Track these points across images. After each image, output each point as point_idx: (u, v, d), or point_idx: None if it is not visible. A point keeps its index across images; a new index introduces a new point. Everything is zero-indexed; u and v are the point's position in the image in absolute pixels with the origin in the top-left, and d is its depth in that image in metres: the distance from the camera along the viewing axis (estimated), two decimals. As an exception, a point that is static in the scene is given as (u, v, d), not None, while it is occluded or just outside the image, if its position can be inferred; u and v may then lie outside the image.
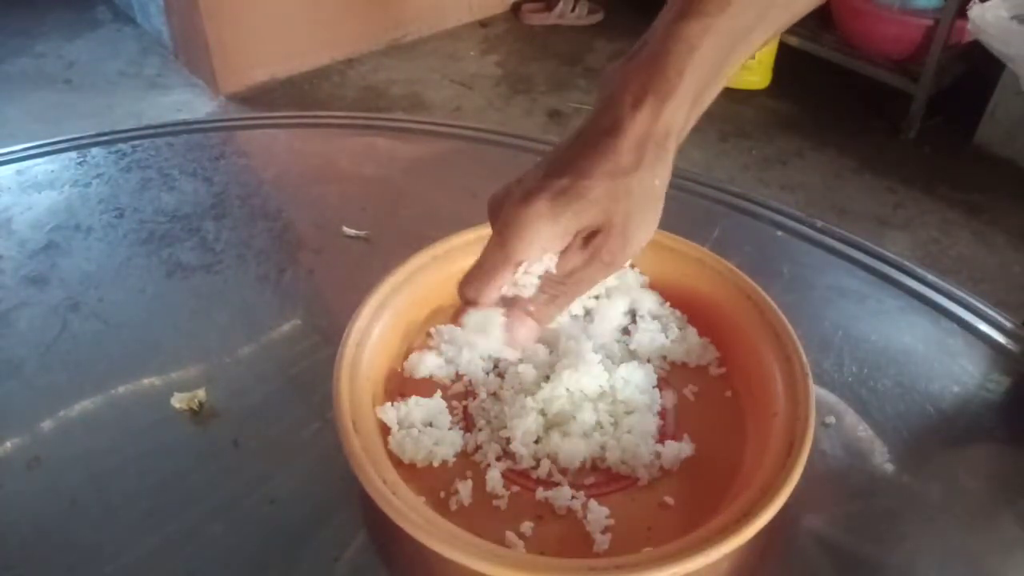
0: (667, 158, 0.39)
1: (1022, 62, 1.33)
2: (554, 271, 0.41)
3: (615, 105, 0.38)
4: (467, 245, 0.55)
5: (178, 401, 0.50)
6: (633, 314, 0.54)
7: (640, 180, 0.38)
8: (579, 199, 0.38)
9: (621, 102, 0.38)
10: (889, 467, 0.48)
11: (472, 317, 0.43)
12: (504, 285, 0.41)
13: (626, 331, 0.53)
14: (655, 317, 0.54)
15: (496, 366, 0.51)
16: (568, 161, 0.39)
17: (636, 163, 0.38)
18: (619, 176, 0.38)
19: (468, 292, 0.42)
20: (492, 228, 0.41)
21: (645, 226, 0.40)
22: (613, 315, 0.53)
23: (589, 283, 0.41)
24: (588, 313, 0.53)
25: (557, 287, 0.42)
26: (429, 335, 0.53)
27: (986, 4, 1.67)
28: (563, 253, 0.40)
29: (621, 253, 0.40)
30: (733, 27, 0.39)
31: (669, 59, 0.38)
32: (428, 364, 0.50)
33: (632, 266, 0.55)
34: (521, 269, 0.41)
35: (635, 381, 0.49)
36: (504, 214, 0.39)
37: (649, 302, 0.54)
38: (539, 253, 0.39)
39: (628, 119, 0.38)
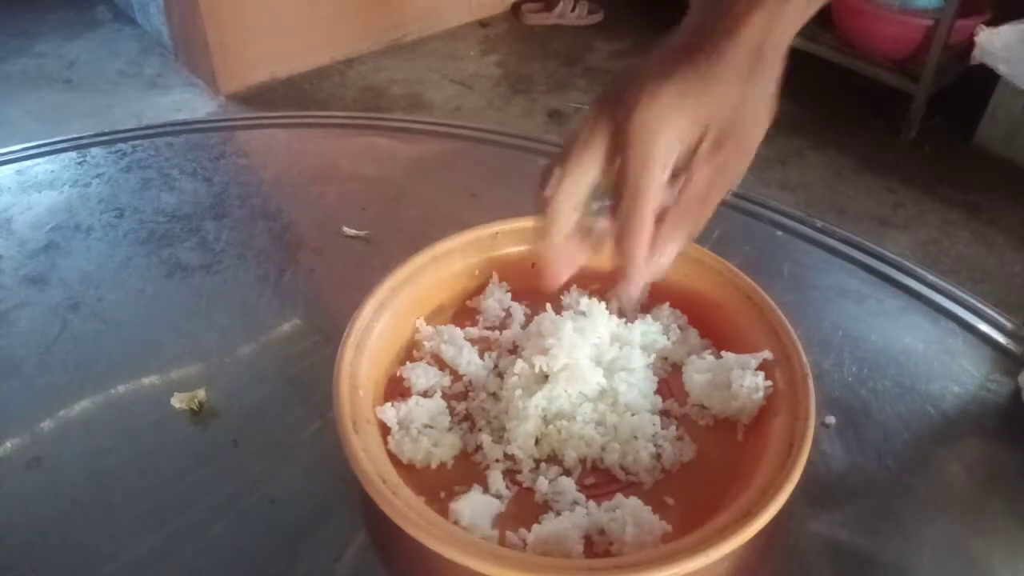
0: (778, 67, 0.39)
1: None
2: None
3: (732, 8, 0.38)
4: (467, 245, 0.55)
5: (178, 401, 0.50)
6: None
7: (759, 86, 0.38)
8: (709, 94, 0.38)
9: (736, 4, 0.38)
10: (889, 467, 0.48)
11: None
12: (656, 201, 0.39)
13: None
14: (657, 318, 0.54)
15: (496, 366, 0.51)
16: (692, 59, 0.38)
17: (754, 69, 0.38)
18: (742, 79, 0.38)
19: (623, 218, 0.40)
20: (598, 131, 0.39)
21: (760, 133, 0.40)
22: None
23: (717, 198, 0.40)
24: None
25: (687, 212, 0.40)
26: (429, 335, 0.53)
27: (996, 29, 1.67)
28: (690, 173, 0.39)
29: (747, 159, 0.40)
30: None
31: None
32: (420, 375, 0.50)
33: None
34: (666, 175, 0.39)
35: (636, 383, 0.49)
36: (630, 110, 0.38)
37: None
38: (671, 152, 0.38)
39: (746, 25, 0.38)
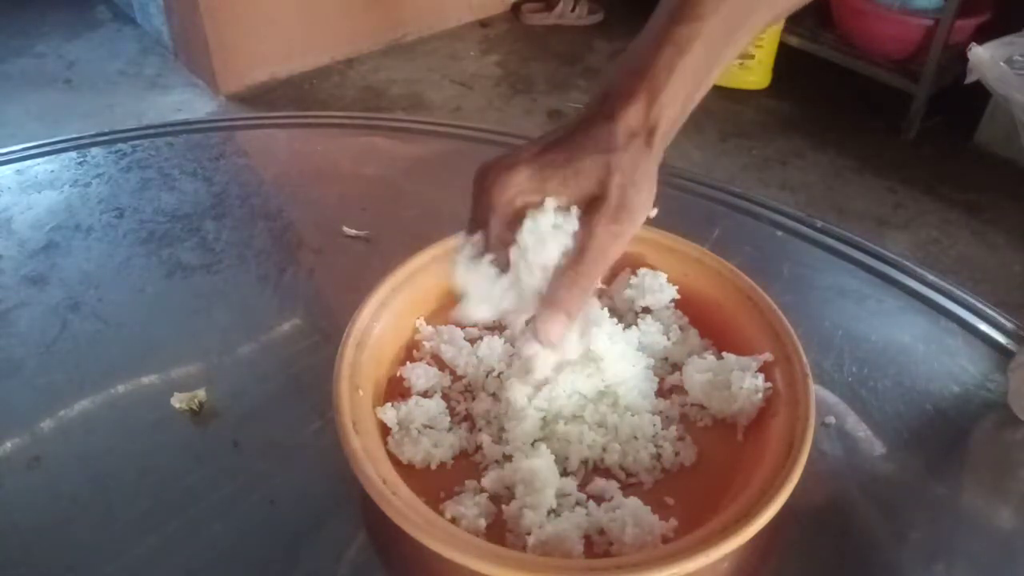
0: (652, 152, 0.41)
1: (1017, 105, 1.37)
2: (554, 261, 0.41)
3: (608, 98, 0.41)
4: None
5: (178, 401, 0.50)
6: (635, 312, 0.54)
7: (627, 158, 0.40)
8: (568, 168, 0.40)
9: (614, 95, 0.40)
10: (889, 467, 0.48)
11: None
12: (492, 233, 0.42)
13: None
14: (657, 319, 0.54)
15: (494, 368, 0.51)
16: (563, 141, 0.41)
17: (624, 146, 0.40)
18: (610, 149, 0.40)
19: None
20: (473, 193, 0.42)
21: (641, 197, 0.41)
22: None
23: (603, 257, 0.42)
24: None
25: (575, 269, 0.42)
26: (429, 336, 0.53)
27: (984, 46, 1.69)
28: (577, 239, 0.41)
29: (629, 223, 0.41)
30: (719, 30, 0.41)
31: (659, 61, 0.40)
32: (420, 375, 0.50)
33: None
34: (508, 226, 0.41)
35: (636, 383, 0.49)
36: (490, 174, 0.41)
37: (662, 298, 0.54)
38: (514, 195, 0.41)
39: (620, 111, 0.40)
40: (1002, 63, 1.37)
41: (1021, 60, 1.39)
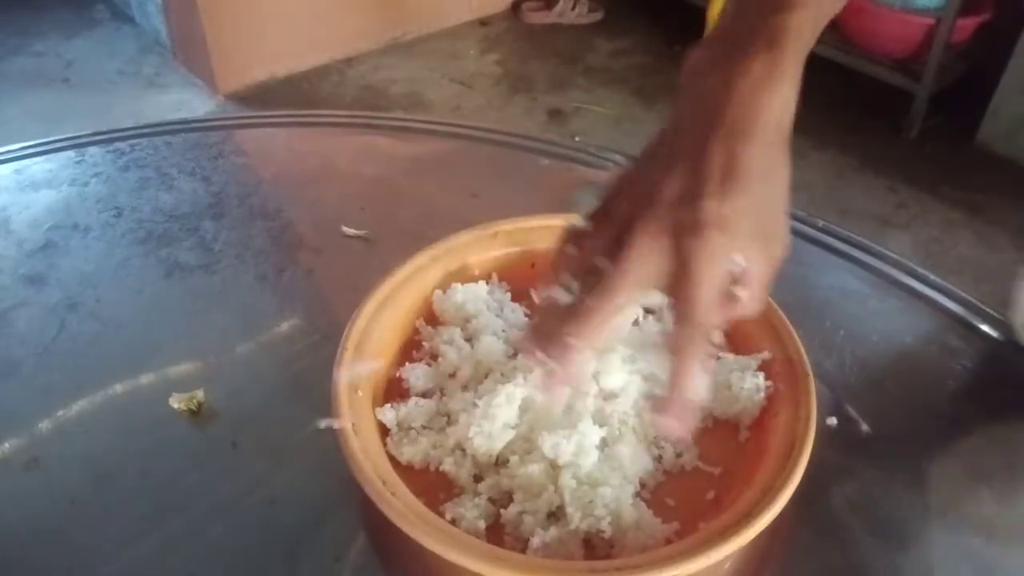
0: (787, 149, 0.38)
1: None
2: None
3: (739, 96, 0.37)
4: (467, 245, 0.55)
5: (176, 401, 0.50)
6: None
7: (778, 184, 0.39)
8: (759, 211, 0.37)
9: (740, 91, 0.37)
10: (890, 467, 0.48)
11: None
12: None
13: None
14: (657, 319, 0.53)
15: (493, 369, 0.51)
16: (715, 170, 0.37)
17: (775, 162, 0.38)
18: (782, 178, 0.38)
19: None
20: (654, 250, 0.36)
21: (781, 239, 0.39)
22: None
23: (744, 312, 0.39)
24: None
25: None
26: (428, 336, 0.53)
27: None
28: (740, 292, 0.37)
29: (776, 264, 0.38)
30: (820, 12, 0.39)
31: (785, 49, 0.38)
32: (419, 376, 0.50)
33: None
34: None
35: (637, 385, 0.49)
36: (698, 237, 0.35)
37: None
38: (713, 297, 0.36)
39: (759, 111, 0.38)
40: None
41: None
